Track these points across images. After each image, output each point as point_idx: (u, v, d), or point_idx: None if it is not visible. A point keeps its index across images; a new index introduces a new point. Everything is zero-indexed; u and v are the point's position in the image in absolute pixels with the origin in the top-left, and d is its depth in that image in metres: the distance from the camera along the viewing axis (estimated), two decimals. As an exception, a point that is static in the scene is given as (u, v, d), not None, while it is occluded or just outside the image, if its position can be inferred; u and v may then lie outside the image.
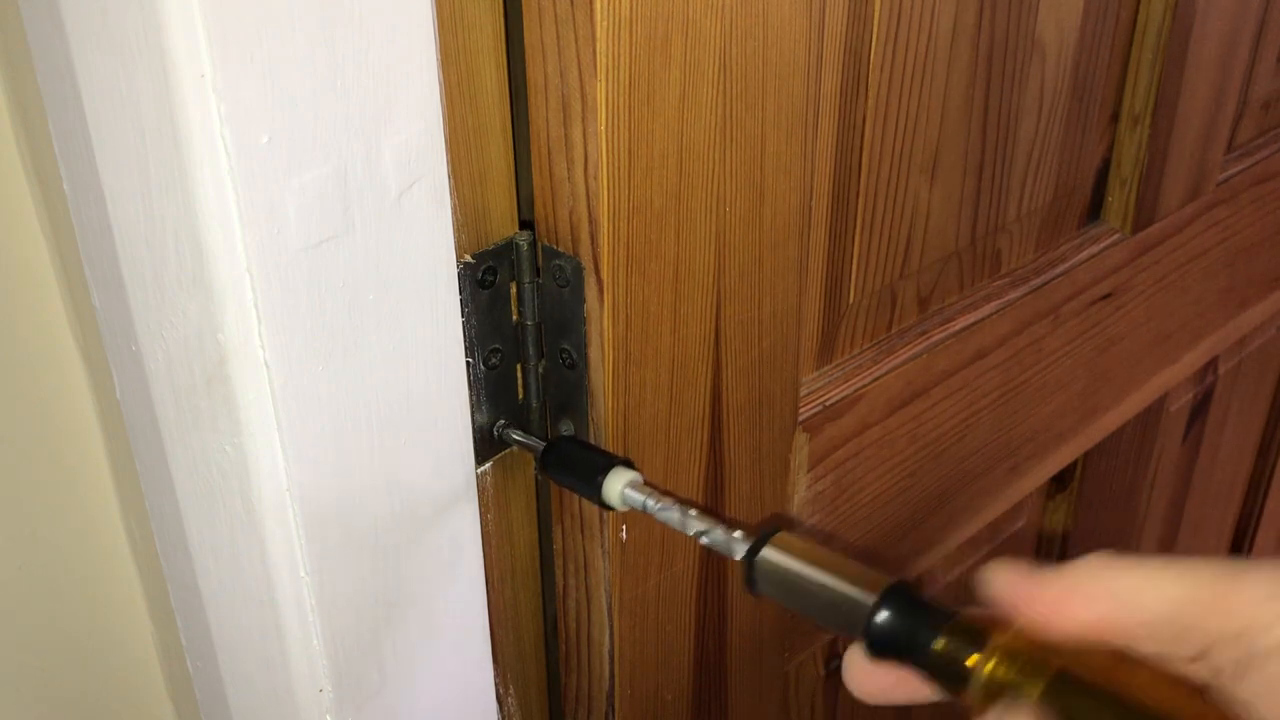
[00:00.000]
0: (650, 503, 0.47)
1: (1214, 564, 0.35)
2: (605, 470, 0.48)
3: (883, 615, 0.38)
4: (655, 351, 0.50)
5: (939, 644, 0.37)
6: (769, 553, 0.43)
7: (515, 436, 0.52)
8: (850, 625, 0.40)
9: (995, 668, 0.35)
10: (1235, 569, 0.34)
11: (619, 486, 0.48)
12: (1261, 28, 0.82)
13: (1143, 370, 0.86)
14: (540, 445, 0.51)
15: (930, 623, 0.37)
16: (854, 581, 0.40)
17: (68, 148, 0.42)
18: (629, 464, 0.49)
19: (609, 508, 0.49)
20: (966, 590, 0.83)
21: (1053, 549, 0.94)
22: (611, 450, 0.51)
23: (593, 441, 0.51)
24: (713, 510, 0.57)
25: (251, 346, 0.41)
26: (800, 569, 0.42)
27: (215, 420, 0.43)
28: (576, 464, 0.50)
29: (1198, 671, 0.34)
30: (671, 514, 0.46)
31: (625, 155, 0.45)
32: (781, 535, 0.43)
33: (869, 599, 0.39)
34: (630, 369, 0.50)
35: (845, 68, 0.55)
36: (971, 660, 0.36)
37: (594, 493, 0.49)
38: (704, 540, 0.46)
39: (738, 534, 0.45)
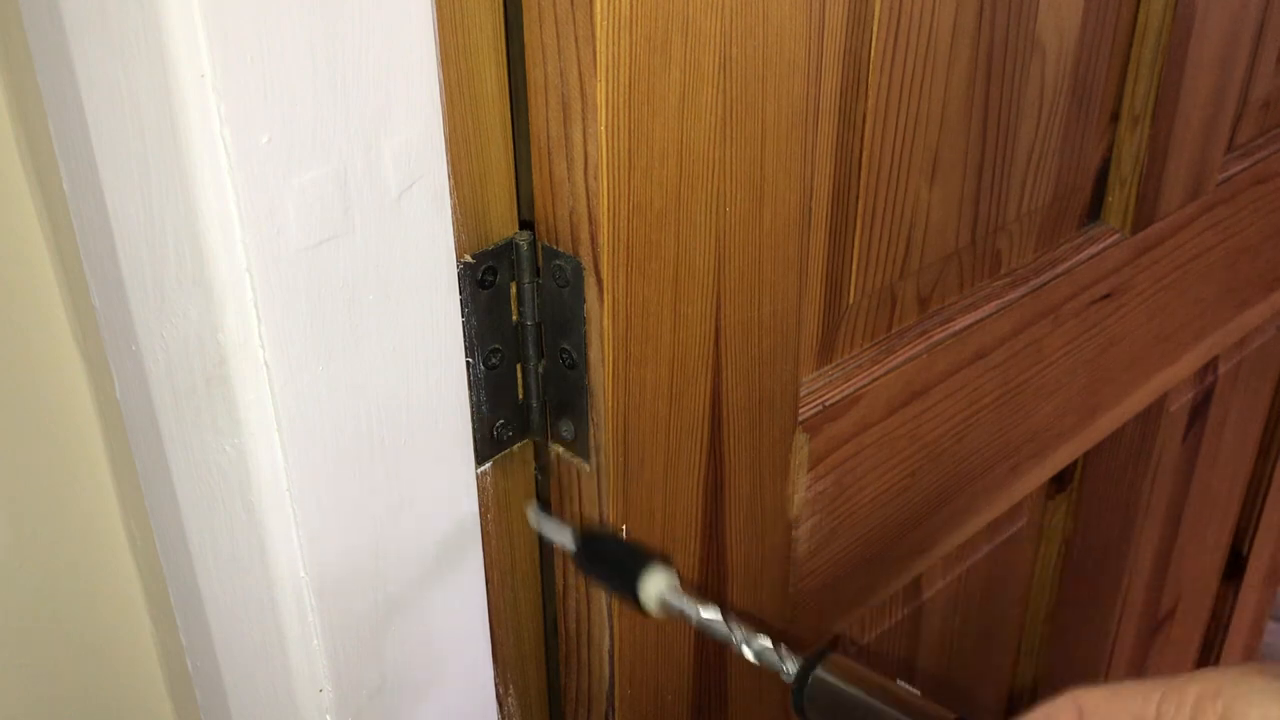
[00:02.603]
0: (689, 609, 0.45)
1: (1163, 682, 0.36)
2: (643, 569, 0.46)
3: None
4: (655, 351, 0.50)
5: None
6: (823, 674, 0.41)
7: (549, 530, 0.51)
8: None
9: None
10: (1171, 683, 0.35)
11: (657, 590, 0.46)
12: (1261, 28, 0.82)
13: (1143, 370, 0.86)
14: (574, 542, 0.50)
15: None
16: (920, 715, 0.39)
17: (68, 148, 0.42)
18: (667, 563, 0.47)
19: (644, 611, 0.47)
20: (966, 591, 0.83)
21: (1052, 549, 0.94)
22: (612, 453, 0.50)
23: (594, 443, 0.51)
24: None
25: (251, 346, 0.41)
26: (857, 697, 0.40)
27: (215, 420, 0.43)
28: (612, 562, 0.49)
29: None
30: (714, 625, 0.44)
31: (625, 155, 0.45)
32: (835, 657, 0.41)
33: None
34: (630, 369, 0.50)
35: (845, 68, 0.55)
36: None
37: (630, 595, 0.47)
38: (749, 655, 0.43)
39: (786, 653, 0.42)
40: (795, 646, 0.44)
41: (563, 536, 0.51)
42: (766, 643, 0.43)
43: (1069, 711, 0.38)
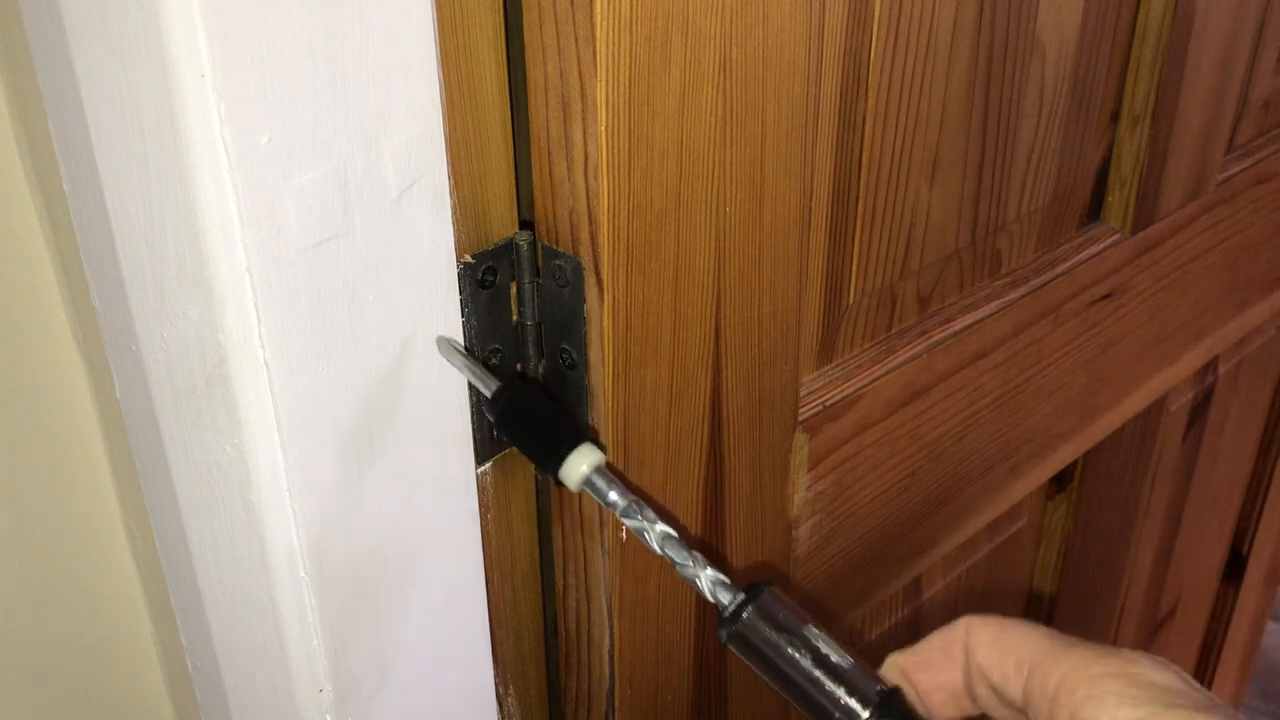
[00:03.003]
0: (616, 498, 0.43)
1: (1058, 634, 0.37)
2: (571, 444, 0.44)
3: None
4: (655, 351, 0.50)
5: None
6: (754, 617, 0.39)
7: (461, 366, 0.46)
8: None
9: None
10: (1069, 639, 0.37)
11: (584, 469, 0.44)
12: (1261, 28, 0.82)
13: (1143, 370, 0.86)
14: (492, 385, 0.46)
15: None
16: (846, 683, 0.38)
17: (68, 148, 0.43)
18: (596, 441, 0.46)
19: (560, 484, 0.45)
20: (966, 591, 0.83)
21: (1052, 549, 0.94)
22: (612, 453, 0.50)
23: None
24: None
25: (251, 346, 0.41)
26: (786, 651, 0.38)
27: (215, 420, 0.43)
28: (536, 424, 0.45)
29: None
30: (642, 533, 0.42)
31: (625, 155, 0.45)
32: (775, 594, 0.39)
33: (863, 711, 0.37)
34: (630, 369, 0.50)
35: (845, 68, 0.55)
36: None
37: (552, 466, 0.45)
38: (678, 566, 0.41)
39: (714, 574, 0.40)
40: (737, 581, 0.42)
41: (478, 379, 0.46)
42: (694, 565, 0.40)
43: (961, 639, 0.40)
